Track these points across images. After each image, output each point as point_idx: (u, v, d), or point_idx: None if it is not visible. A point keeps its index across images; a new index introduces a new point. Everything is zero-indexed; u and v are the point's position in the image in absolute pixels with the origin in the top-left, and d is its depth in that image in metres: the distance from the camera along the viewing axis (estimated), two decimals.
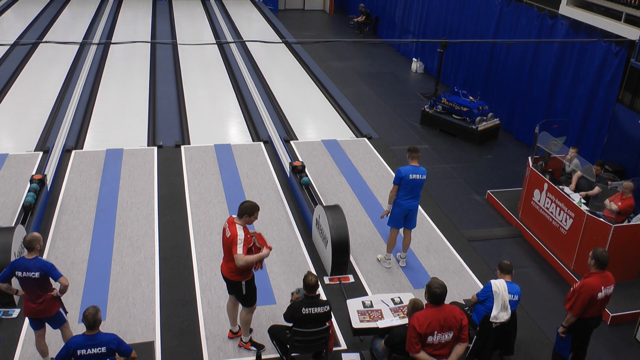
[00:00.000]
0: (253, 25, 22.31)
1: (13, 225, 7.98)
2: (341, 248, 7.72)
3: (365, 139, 12.43)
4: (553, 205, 8.63)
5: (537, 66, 12.29)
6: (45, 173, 9.63)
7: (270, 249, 5.99)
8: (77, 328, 6.27)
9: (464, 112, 12.70)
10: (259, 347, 6.50)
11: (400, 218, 7.81)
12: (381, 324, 6.17)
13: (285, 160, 10.76)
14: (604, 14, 10.78)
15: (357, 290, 7.65)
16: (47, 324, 5.96)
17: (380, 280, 7.91)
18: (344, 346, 6.66)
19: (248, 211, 5.92)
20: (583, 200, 8.51)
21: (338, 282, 7.81)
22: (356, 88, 15.90)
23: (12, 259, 6.65)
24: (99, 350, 4.97)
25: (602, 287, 5.82)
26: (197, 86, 15.07)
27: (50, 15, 21.52)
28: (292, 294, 6.33)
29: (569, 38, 11.36)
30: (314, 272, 7.41)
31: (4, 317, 6.82)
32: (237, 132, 12.58)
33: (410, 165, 7.60)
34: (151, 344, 6.52)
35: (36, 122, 12.33)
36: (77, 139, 11.69)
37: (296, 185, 9.85)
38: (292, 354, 6.03)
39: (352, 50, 19.69)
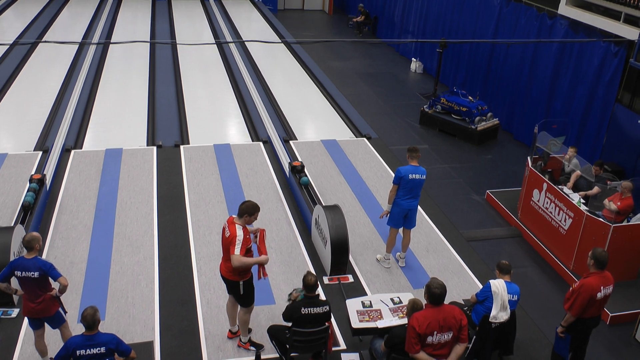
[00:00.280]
0: (252, 25, 22.31)
1: (12, 224, 7.98)
2: (340, 248, 7.72)
3: (365, 139, 12.43)
4: (552, 205, 8.63)
5: (536, 66, 12.29)
6: (45, 173, 9.63)
7: (267, 258, 6.05)
8: (77, 328, 6.26)
9: (463, 112, 12.70)
10: (258, 347, 6.49)
11: (400, 218, 7.81)
12: (380, 324, 6.16)
13: (285, 160, 10.75)
14: (603, 14, 10.78)
15: (357, 290, 7.65)
16: (46, 324, 5.95)
17: (380, 280, 7.90)
18: (343, 346, 6.66)
19: (248, 211, 5.92)
20: (582, 200, 8.51)
21: (337, 282, 7.80)
22: (355, 88, 15.89)
23: (12, 258, 6.64)
24: (98, 350, 4.97)
25: (602, 287, 5.82)
26: (197, 86, 15.06)
27: (49, 15, 21.51)
28: (289, 295, 6.34)
29: (568, 38, 11.36)
30: (313, 272, 7.39)
31: (3, 316, 6.81)
32: (236, 132, 12.58)
33: (409, 165, 7.60)
34: (150, 344, 6.51)
35: (35, 121, 12.33)
36: (77, 138, 11.69)
37: (295, 185, 9.85)
38: (292, 354, 6.03)
39: (351, 50, 19.69)
